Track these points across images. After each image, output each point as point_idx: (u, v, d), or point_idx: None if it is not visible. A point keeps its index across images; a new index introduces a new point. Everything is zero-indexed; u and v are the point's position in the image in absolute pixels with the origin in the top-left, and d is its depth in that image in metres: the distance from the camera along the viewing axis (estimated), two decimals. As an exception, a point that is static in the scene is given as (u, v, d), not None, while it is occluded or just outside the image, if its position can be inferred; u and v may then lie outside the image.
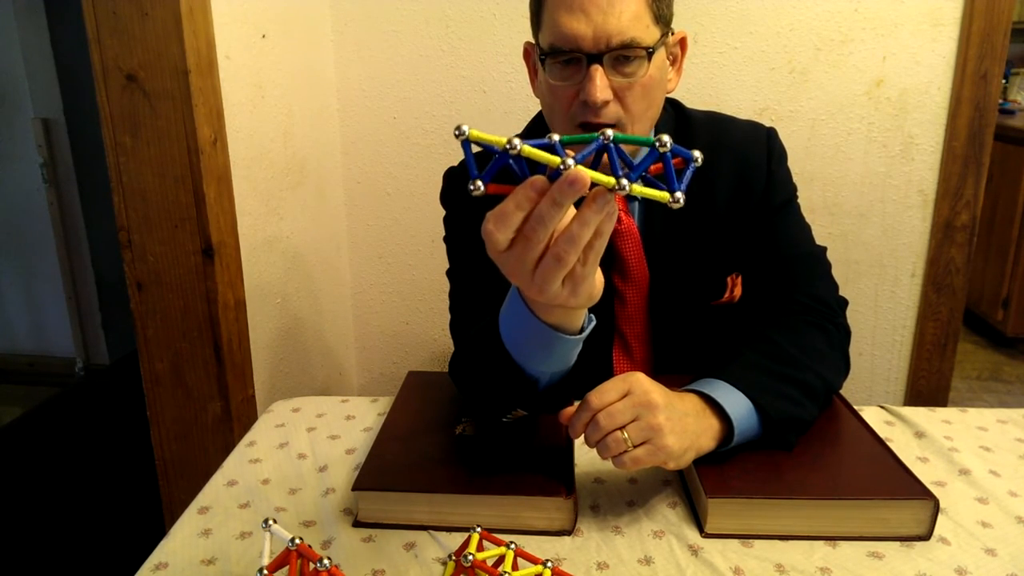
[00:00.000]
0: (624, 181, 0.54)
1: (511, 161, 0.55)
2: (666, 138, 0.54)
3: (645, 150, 0.56)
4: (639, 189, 0.55)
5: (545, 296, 0.61)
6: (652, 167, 0.56)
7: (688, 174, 0.56)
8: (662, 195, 0.56)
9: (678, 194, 0.55)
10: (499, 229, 0.57)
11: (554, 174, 0.54)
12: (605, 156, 0.56)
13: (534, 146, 0.53)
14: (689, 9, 1.61)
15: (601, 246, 0.59)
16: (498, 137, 0.53)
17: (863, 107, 1.64)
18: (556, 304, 0.63)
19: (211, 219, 1.25)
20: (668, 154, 0.55)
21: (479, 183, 0.55)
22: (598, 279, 0.65)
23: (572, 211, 0.57)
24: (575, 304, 0.63)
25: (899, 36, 1.59)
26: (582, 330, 0.72)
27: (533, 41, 0.92)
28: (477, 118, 1.72)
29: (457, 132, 0.53)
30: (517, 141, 0.52)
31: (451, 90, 1.72)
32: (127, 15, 1.17)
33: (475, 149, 0.56)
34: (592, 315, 0.73)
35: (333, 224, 1.79)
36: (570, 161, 0.53)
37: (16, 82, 2.61)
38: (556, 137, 0.54)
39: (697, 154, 0.56)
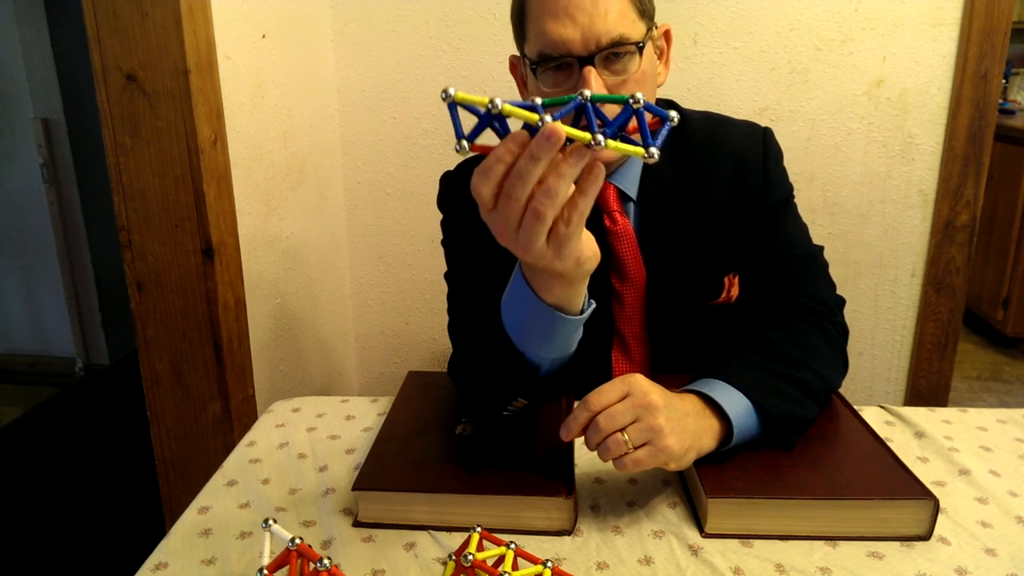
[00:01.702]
0: (599, 136, 0.56)
1: (496, 122, 0.57)
2: (639, 95, 0.56)
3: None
4: (614, 144, 0.57)
5: (530, 255, 0.62)
6: (630, 128, 0.59)
7: (664, 133, 0.58)
8: (637, 150, 0.57)
9: (653, 148, 0.57)
10: (483, 183, 0.59)
11: (533, 131, 0.56)
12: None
13: (516, 106, 0.55)
14: (689, 9, 1.61)
15: (585, 206, 0.60)
16: (482, 97, 0.55)
17: (863, 107, 1.64)
18: (542, 265, 0.64)
19: (211, 219, 1.25)
20: (641, 110, 0.57)
21: (464, 142, 0.56)
22: (591, 250, 0.66)
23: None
24: (560, 267, 0.64)
25: (899, 36, 1.59)
26: (582, 312, 0.72)
27: (519, 54, 0.92)
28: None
29: (444, 95, 0.55)
30: (499, 100, 0.55)
31: (451, 90, 1.72)
32: (127, 15, 1.17)
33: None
34: (592, 300, 0.74)
35: (333, 224, 1.79)
36: (548, 117, 0.55)
37: (16, 82, 2.61)
38: (538, 100, 0.56)
39: (673, 114, 0.58)
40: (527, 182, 0.57)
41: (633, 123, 0.59)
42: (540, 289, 0.70)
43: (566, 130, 0.54)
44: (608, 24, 0.81)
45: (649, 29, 0.87)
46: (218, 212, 1.27)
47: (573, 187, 0.59)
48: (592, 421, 0.71)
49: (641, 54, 0.84)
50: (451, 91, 0.55)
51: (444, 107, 1.81)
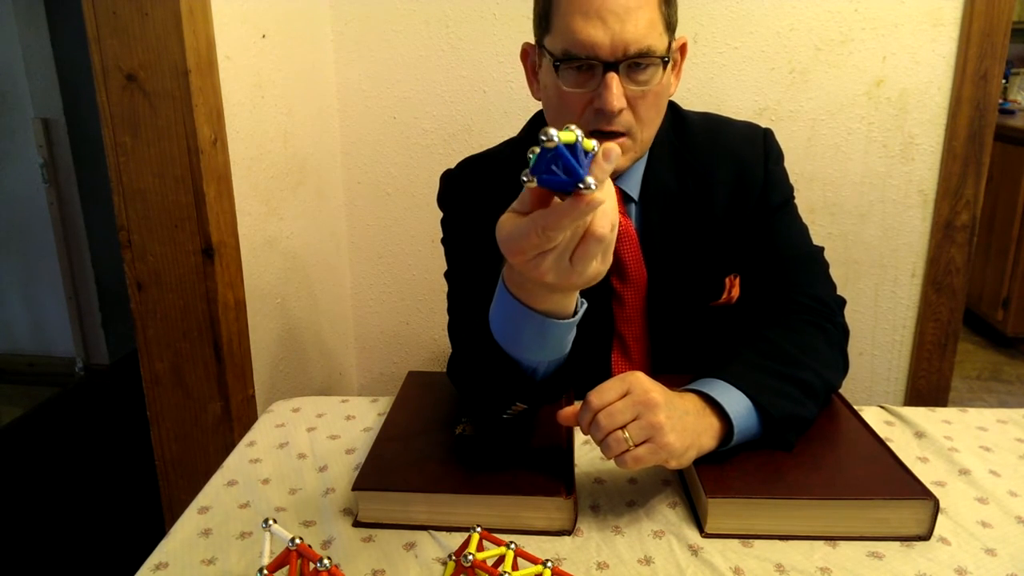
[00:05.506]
0: (589, 180, 0.54)
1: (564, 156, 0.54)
2: (551, 131, 0.53)
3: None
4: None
5: (584, 277, 0.62)
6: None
7: (583, 158, 0.56)
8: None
9: (589, 180, 0.54)
10: (551, 236, 0.58)
11: (570, 184, 0.54)
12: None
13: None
14: (689, 9, 1.61)
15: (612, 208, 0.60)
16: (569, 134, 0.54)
17: (863, 107, 1.64)
18: (590, 277, 0.63)
19: (211, 219, 1.25)
20: (559, 147, 0.54)
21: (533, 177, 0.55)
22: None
23: None
24: (605, 267, 0.63)
25: (899, 36, 1.59)
26: (574, 314, 0.72)
27: (534, 42, 0.91)
28: (477, 118, 1.72)
29: (544, 137, 0.52)
30: (553, 132, 0.52)
31: (451, 90, 1.72)
32: (127, 15, 1.17)
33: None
34: (584, 300, 0.73)
35: (333, 224, 1.79)
36: (590, 180, 0.53)
37: (16, 82, 2.61)
38: (525, 178, 0.55)
39: (550, 134, 0.54)
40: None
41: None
42: (530, 300, 0.68)
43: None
44: (639, 33, 0.80)
45: (670, 42, 0.86)
46: (218, 212, 1.27)
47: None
48: (593, 419, 0.71)
49: (665, 68, 0.84)
50: (553, 133, 0.52)
51: (444, 106, 1.81)
